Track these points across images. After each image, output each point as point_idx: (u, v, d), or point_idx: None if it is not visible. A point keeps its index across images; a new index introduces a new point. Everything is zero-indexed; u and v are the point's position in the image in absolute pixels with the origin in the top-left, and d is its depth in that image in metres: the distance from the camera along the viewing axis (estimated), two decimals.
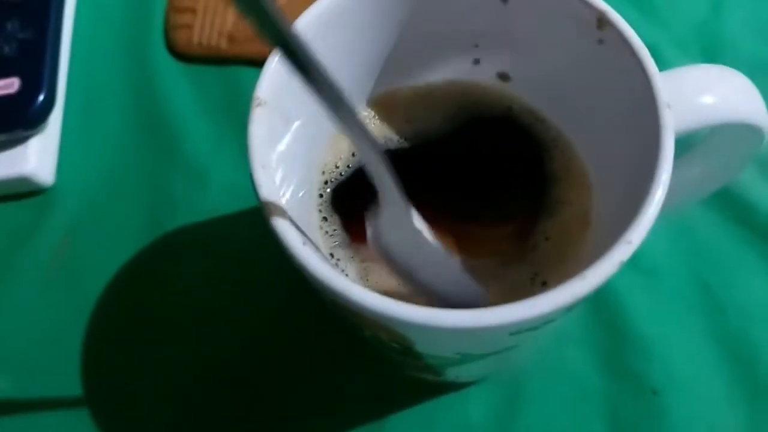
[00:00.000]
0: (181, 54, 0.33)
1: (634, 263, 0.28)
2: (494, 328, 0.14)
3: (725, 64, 0.32)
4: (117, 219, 0.30)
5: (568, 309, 0.15)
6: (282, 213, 0.16)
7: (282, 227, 0.16)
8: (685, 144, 0.23)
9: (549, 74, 0.21)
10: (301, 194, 0.21)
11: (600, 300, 0.27)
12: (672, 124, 0.16)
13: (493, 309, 0.14)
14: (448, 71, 0.23)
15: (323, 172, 0.23)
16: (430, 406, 0.26)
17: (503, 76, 0.23)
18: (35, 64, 0.30)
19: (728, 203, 0.29)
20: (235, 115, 0.32)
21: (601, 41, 0.18)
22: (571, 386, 0.26)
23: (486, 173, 0.22)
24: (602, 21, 0.18)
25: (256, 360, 0.27)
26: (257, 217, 0.29)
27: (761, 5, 0.33)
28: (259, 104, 0.17)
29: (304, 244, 0.16)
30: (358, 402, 0.26)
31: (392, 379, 0.26)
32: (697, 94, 0.19)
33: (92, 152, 0.32)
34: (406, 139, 0.24)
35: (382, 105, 0.24)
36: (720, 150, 0.22)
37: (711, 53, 0.32)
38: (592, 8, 0.18)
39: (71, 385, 0.27)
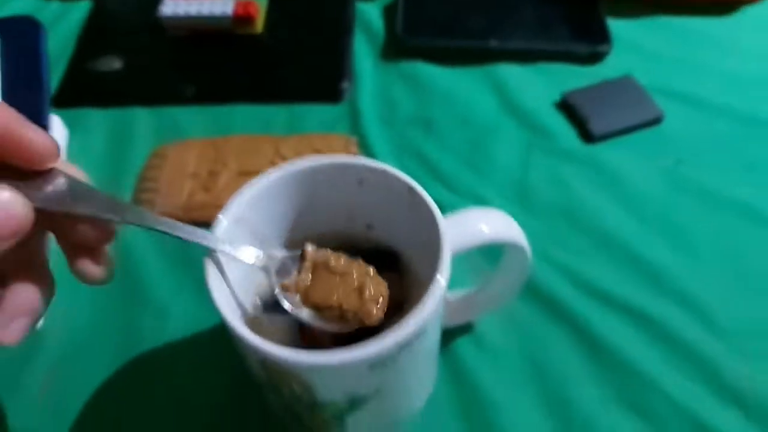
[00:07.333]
0: None
1: (481, 344, 0.39)
2: (349, 364, 0.25)
3: (532, 208, 0.47)
4: (94, 353, 0.40)
5: (396, 351, 0.27)
6: (229, 304, 0.27)
7: (228, 313, 0.27)
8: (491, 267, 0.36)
9: (390, 222, 0.34)
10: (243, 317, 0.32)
11: (459, 371, 0.38)
12: (447, 241, 0.29)
13: (341, 349, 0.26)
14: (333, 226, 0.36)
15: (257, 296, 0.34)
16: None
17: (369, 227, 0.36)
18: None
19: (545, 303, 0.41)
20: (189, 265, 0.43)
21: (411, 203, 0.31)
22: None
23: None
24: (411, 191, 0.31)
25: None
26: (208, 342, 0.40)
27: (554, 166, 0.49)
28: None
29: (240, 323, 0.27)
30: None
31: None
32: (474, 224, 0.31)
33: (74, 300, 0.42)
34: None
35: (294, 247, 0.36)
36: (507, 269, 0.35)
37: (523, 199, 0.47)
38: (404, 183, 0.31)
39: None
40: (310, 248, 0.32)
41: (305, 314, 0.31)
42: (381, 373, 0.28)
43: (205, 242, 0.29)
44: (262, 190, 0.32)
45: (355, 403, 0.30)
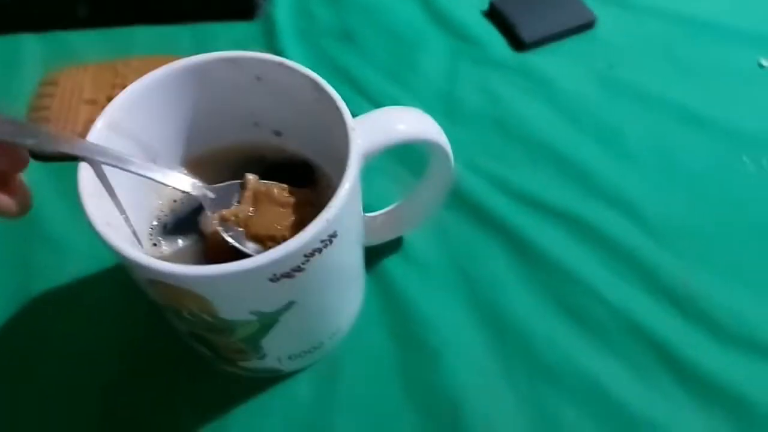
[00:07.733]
0: (39, 156, 0.41)
1: (411, 259, 0.37)
2: (244, 273, 0.23)
3: (459, 119, 0.44)
4: None
5: (299, 260, 0.24)
6: (110, 228, 0.24)
7: (114, 241, 0.23)
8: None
9: (299, 127, 0.30)
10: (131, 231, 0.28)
11: (388, 289, 0.36)
12: (355, 137, 0.26)
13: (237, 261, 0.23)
14: (237, 136, 0.32)
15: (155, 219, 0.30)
16: (265, 397, 0.33)
17: (277, 134, 0.32)
18: None
19: (474, 213, 0.39)
20: None
21: (318, 101, 0.28)
22: (373, 359, 0.34)
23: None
24: (317, 86, 0.28)
25: (114, 385, 0.34)
26: (105, 277, 0.36)
27: (483, 75, 0.46)
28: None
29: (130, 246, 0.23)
30: (205, 405, 0.33)
31: (231, 382, 0.33)
32: (390, 122, 0.28)
33: None
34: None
35: (194, 165, 0.32)
36: (430, 175, 0.32)
37: (450, 111, 0.44)
38: (306, 76, 0.28)
39: None
40: (251, 177, 0.29)
41: (246, 246, 0.28)
42: (287, 286, 0.25)
43: (133, 169, 0.26)
44: (140, 91, 0.28)
45: (266, 322, 0.27)
